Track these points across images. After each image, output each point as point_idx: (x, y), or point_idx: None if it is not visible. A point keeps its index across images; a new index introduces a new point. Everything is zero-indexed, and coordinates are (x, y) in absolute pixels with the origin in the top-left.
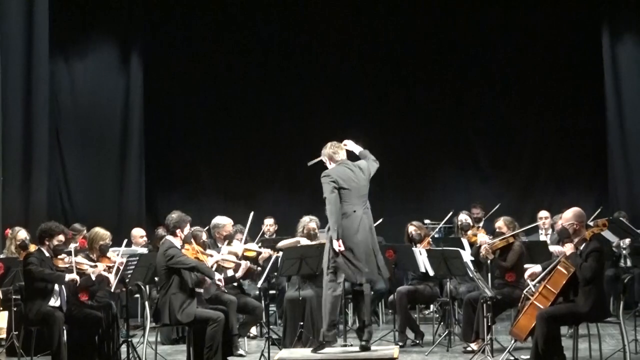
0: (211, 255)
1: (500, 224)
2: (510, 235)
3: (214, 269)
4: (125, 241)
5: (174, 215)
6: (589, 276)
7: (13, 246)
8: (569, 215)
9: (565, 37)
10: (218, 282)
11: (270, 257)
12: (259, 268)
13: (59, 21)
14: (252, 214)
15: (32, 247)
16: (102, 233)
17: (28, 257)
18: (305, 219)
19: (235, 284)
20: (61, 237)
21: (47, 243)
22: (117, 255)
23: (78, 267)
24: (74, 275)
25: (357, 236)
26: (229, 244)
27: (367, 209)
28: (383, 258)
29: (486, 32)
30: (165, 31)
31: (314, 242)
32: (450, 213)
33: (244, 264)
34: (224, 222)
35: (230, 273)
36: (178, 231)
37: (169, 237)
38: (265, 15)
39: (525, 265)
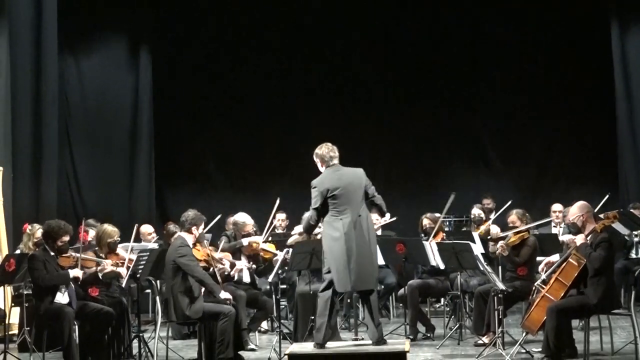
0: (222, 263)
1: (514, 217)
2: (525, 230)
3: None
4: (133, 235)
5: (190, 213)
6: (598, 266)
7: (31, 242)
8: (574, 210)
9: (574, 32)
10: (226, 299)
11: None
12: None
13: (68, 18)
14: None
15: None
16: (111, 230)
17: (32, 259)
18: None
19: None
20: (65, 238)
21: (51, 244)
22: (127, 251)
23: (84, 264)
24: (77, 272)
25: (342, 244)
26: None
27: (360, 215)
28: (393, 252)
29: (495, 27)
30: (173, 27)
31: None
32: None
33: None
34: (245, 221)
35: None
36: (194, 229)
37: (183, 234)
38: (273, 11)
39: (539, 259)
